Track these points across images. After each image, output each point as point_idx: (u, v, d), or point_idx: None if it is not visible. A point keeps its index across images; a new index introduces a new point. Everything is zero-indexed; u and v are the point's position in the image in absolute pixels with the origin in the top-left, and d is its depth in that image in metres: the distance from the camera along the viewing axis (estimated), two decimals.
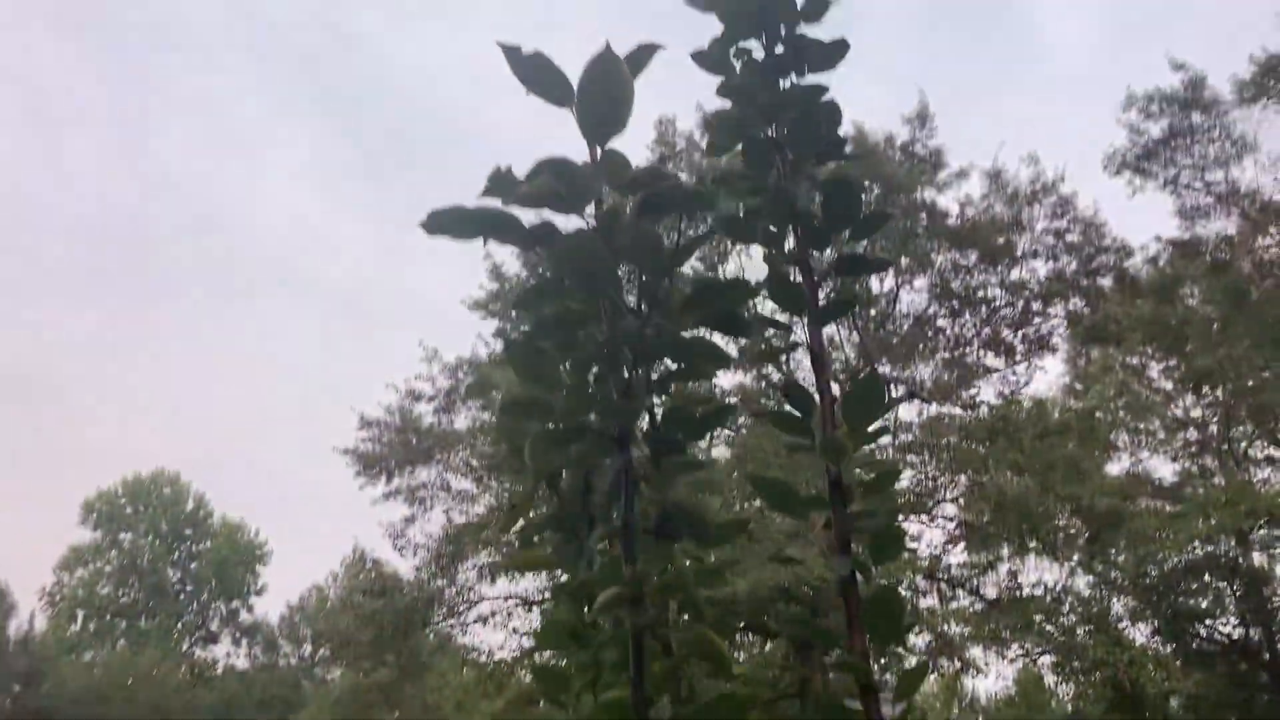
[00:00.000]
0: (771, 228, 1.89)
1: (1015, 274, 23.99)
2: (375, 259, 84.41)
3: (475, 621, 26.36)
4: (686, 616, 1.65)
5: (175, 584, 54.61)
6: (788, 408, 1.79)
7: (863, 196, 1.98)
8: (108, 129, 78.95)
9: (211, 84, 75.97)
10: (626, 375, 1.60)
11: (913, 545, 23.33)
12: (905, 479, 21.79)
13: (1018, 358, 24.39)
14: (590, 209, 1.63)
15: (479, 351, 26.35)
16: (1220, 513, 23.85)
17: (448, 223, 1.60)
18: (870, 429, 1.70)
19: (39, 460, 76.83)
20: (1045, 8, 49.60)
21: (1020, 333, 24.01)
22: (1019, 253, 23.44)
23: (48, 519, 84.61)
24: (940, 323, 23.88)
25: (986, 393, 23.50)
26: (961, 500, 22.91)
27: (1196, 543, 25.56)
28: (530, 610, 26.64)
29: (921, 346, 23.63)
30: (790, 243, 1.92)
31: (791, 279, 1.85)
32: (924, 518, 23.96)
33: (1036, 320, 23.85)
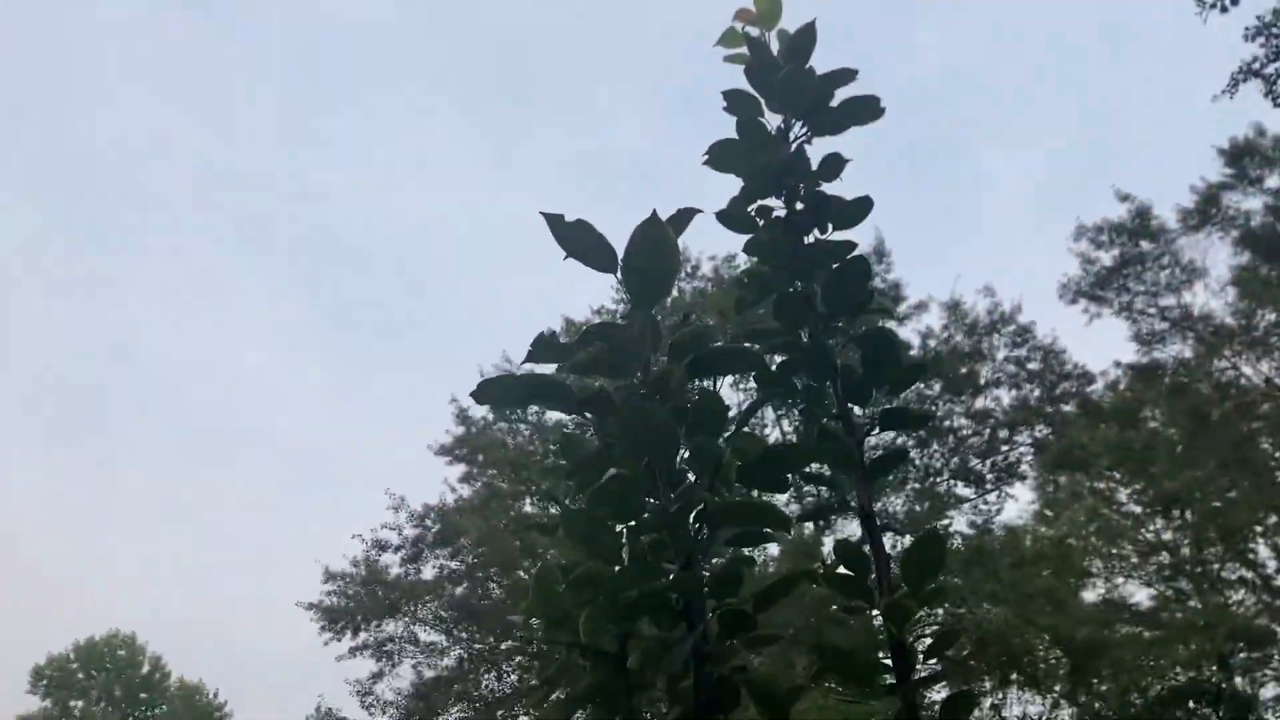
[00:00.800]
0: (811, 383, 1.88)
1: (980, 403, 24.32)
2: (336, 413, 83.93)
3: None
4: None
5: None
6: (842, 570, 1.75)
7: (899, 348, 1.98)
8: (64, 284, 79.01)
9: (168, 240, 76.53)
10: (690, 544, 1.55)
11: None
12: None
13: (987, 486, 24.49)
14: (638, 373, 1.61)
15: (446, 498, 26.08)
16: (1199, 637, 23.69)
17: (497, 392, 1.58)
18: (930, 588, 1.65)
19: None
20: (991, 151, 51.58)
21: (989, 461, 24.17)
22: (982, 381, 23.79)
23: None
24: (909, 453, 24.01)
25: (959, 523, 23.48)
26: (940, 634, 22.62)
27: (1179, 669, 25.30)
28: None
29: (892, 477, 23.68)
30: (829, 398, 1.90)
31: (837, 436, 1.83)
32: None
33: (1004, 448, 24.05)
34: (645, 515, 1.55)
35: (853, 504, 1.74)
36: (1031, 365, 23.60)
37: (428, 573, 25.94)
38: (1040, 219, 48.91)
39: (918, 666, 1.67)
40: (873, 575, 1.71)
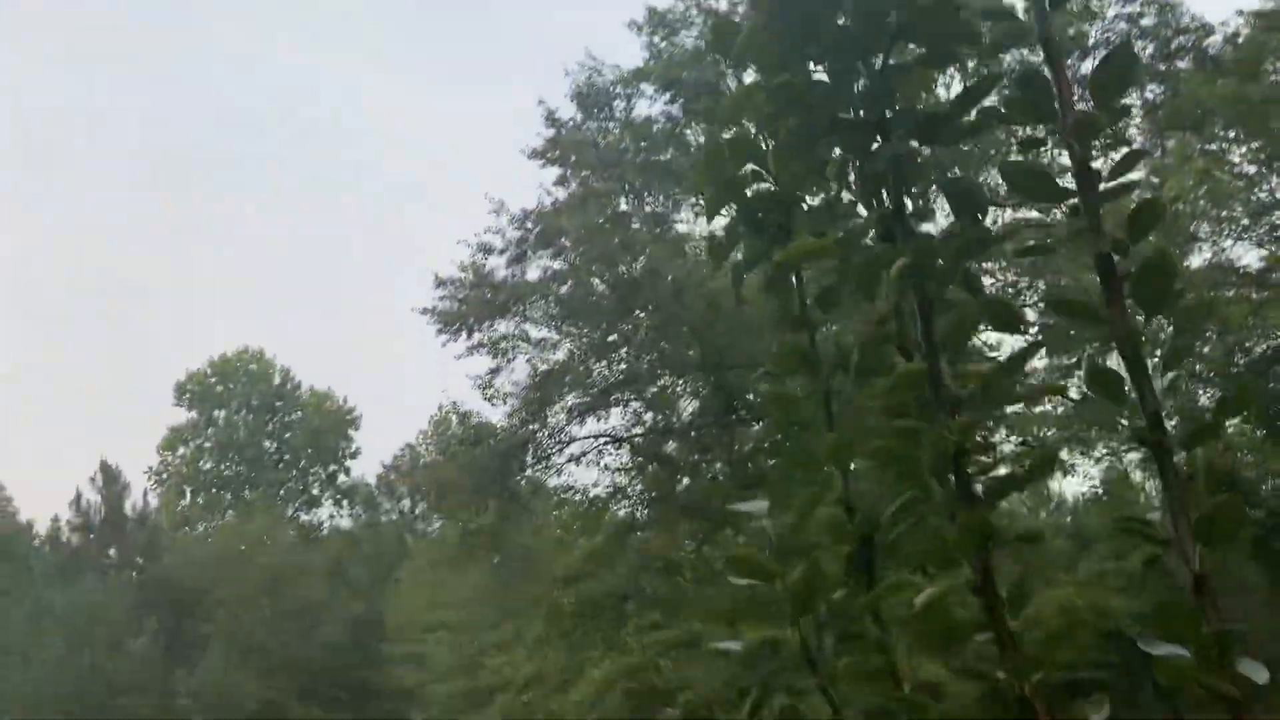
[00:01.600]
0: None
1: (1087, 67, 23.21)
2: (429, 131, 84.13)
3: (568, 462, 27.23)
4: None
5: (272, 455, 56.85)
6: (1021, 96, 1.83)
7: None
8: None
9: None
10: (881, 59, 1.67)
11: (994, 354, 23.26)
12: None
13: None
14: None
15: (543, 201, 26.42)
16: None
17: None
18: (1121, 104, 1.75)
19: (128, 349, 79.34)
20: None
21: None
22: (1090, 42, 22.62)
23: (143, 404, 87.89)
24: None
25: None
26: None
27: None
28: (620, 447, 27.38)
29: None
30: None
31: None
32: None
33: None
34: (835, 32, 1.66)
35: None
36: (1145, 21, 22.28)
37: (532, 274, 26.70)
38: None
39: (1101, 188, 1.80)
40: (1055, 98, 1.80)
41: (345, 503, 56.26)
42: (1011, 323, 1.77)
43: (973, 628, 1.65)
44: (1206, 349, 25.93)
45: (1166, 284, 1.77)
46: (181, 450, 56.58)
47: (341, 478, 57.13)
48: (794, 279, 2.29)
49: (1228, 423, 1.76)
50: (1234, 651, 1.67)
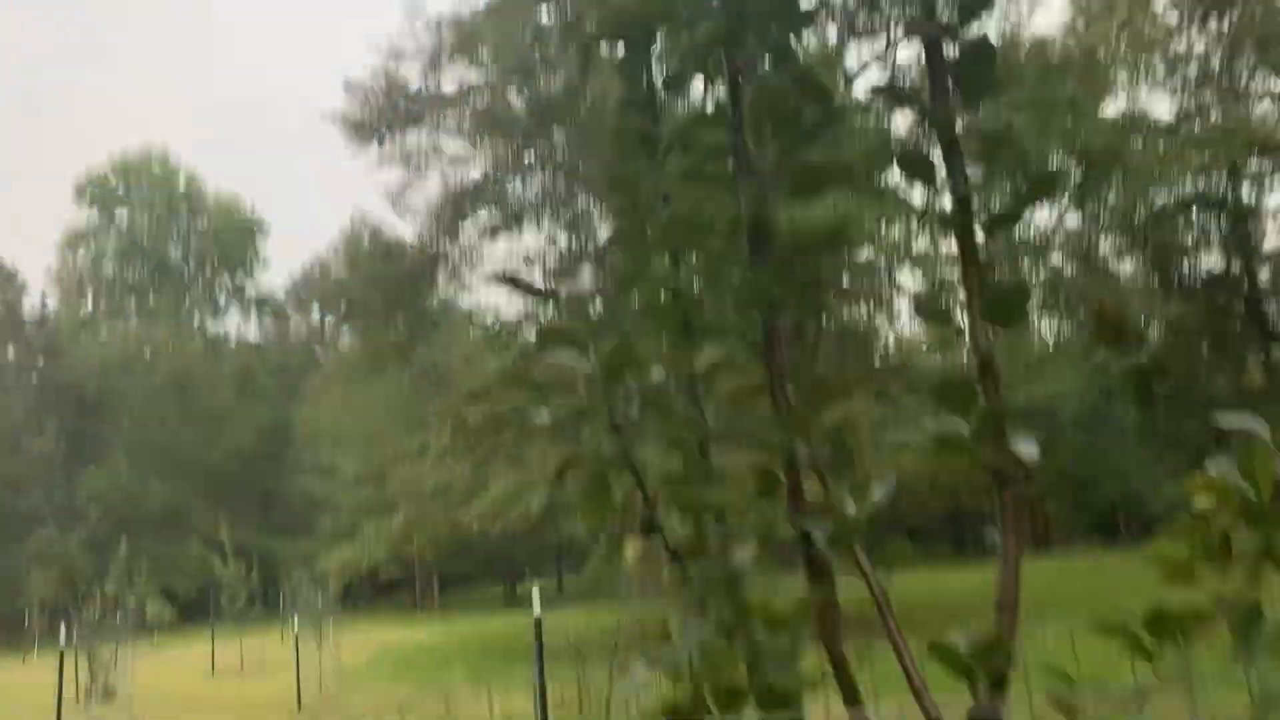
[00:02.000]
0: None
1: None
2: None
3: (481, 282, 27.13)
4: None
5: (177, 260, 55.37)
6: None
7: None
8: None
9: None
10: None
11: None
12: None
13: None
14: None
15: (459, 10, 25.41)
16: (1214, 148, 23.93)
17: None
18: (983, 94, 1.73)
19: (24, 143, 75.70)
20: None
21: None
22: None
23: (41, 201, 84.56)
24: None
25: (988, 27, 22.80)
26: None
27: (1189, 178, 25.83)
28: (531, 264, 27.26)
29: None
30: None
31: None
32: None
33: None
34: None
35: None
36: None
37: (448, 86, 25.87)
38: None
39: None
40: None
41: (253, 313, 55.49)
42: (821, 96, 1.77)
43: (755, 390, 1.72)
44: (1112, 195, 26.53)
45: (987, 71, 1.79)
46: (83, 252, 54.75)
47: (249, 289, 56.16)
48: (645, 63, 2.26)
49: (1029, 208, 1.79)
50: (1007, 428, 1.76)
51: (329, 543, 37.06)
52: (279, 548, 38.14)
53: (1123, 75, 27.02)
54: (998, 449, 1.78)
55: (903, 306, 25.50)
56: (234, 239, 55.21)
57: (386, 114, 25.91)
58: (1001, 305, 1.74)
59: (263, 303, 55.01)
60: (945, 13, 1.85)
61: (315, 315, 52.18)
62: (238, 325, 56.11)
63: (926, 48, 1.85)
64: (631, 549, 1.81)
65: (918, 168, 1.78)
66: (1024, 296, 1.81)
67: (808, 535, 1.72)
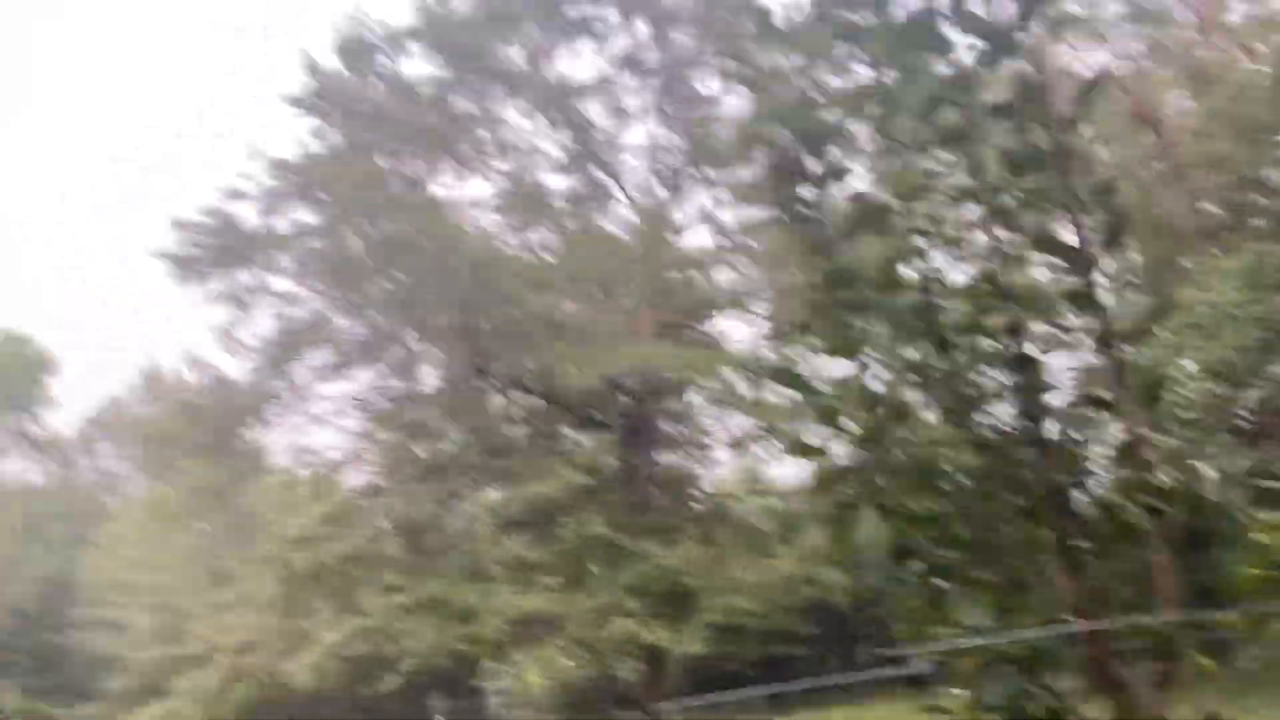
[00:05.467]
0: None
1: None
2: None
3: (308, 422, 26.47)
4: None
5: None
6: None
7: None
8: None
9: None
10: None
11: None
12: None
13: None
14: None
15: (301, 152, 25.52)
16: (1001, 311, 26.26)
17: None
18: None
19: None
20: None
21: None
22: None
23: None
24: None
25: None
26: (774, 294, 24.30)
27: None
28: (362, 408, 26.93)
29: None
30: None
31: None
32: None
33: None
34: None
35: None
36: None
37: (283, 227, 25.80)
38: None
39: None
40: None
41: (39, 456, 51.76)
42: None
43: None
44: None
45: None
46: None
47: (34, 430, 52.57)
48: None
49: None
50: None
51: (121, 706, 34.26)
52: (60, 714, 35.03)
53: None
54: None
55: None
56: (19, 377, 51.79)
57: (215, 252, 25.55)
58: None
59: (50, 445, 51.52)
60: None
61: (108, 460, 49.28)
62: (22, 468, 52.24)
63: None
64: None
65: None
66: None
67: None
